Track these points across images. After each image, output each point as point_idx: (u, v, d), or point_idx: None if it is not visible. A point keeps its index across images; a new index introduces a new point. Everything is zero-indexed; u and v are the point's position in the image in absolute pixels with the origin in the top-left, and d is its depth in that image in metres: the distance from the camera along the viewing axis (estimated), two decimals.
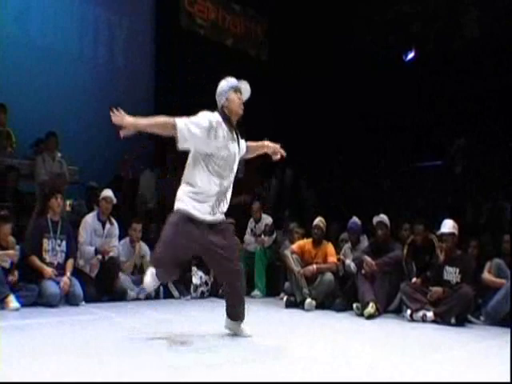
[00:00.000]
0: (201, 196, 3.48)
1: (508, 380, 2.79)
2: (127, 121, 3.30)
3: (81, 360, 3.03)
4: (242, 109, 3.66)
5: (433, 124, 9.32)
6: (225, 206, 3.64)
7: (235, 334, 3.79)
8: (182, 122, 3.36)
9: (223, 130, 3.51)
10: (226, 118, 3.57)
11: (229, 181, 3.62)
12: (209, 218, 3.51)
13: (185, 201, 3.47)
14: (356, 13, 9.87)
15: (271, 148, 3.92)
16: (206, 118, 3.45)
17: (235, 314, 3.79)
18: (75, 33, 9.17)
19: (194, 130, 3.37)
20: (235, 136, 3.65)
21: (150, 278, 3.53)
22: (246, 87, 3.69)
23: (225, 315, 3.84)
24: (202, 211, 3.47)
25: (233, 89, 3.61)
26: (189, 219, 3.44)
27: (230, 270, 3.62)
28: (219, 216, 3.60)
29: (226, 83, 3.64)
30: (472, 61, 8.90)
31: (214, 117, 3.50)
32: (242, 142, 3.79)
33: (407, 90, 9.71)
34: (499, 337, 4.59)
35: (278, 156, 3.91)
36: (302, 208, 8.80)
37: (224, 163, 3.53)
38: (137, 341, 3.62)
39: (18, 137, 7.57)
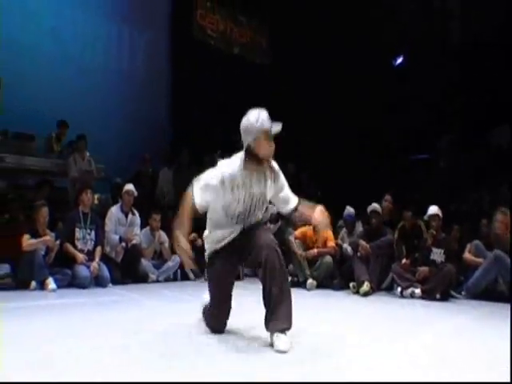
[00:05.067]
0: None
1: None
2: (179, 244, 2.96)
3: (113, 334, 3.24)
4: (273, 153, 3.03)
5: (423, 120, 9.67)
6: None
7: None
8: (197, 196, 2.95)
9: (242, 177, 2.99)
10: (252, 159, 2.99)
11: (255, 217, 3.16)
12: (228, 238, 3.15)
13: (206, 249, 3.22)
14: (352, 16, 10.28)
15: (318, 219, 3.24)
16: (215, 179, 2.95)
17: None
18: (101, 46, 10.06)
19: (208, 196, 2.97)
20: (261, 177, 3.07)
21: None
22: (277, 129, 2.96)
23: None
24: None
25: (263, 133, 2.92)
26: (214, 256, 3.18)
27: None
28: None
29: (256, 122, 2.91)
30: (459, 63, 9.28)
31: (226, 170, 2.98)
32: (277, 181, 3.18)
33: (399, 90, 10.12)
34: (479, 309, 5.08)
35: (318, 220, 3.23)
36: (304, 199, 9.27)
37: (244, 209, 3.08)
38: (159, 318, 3.86)
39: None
